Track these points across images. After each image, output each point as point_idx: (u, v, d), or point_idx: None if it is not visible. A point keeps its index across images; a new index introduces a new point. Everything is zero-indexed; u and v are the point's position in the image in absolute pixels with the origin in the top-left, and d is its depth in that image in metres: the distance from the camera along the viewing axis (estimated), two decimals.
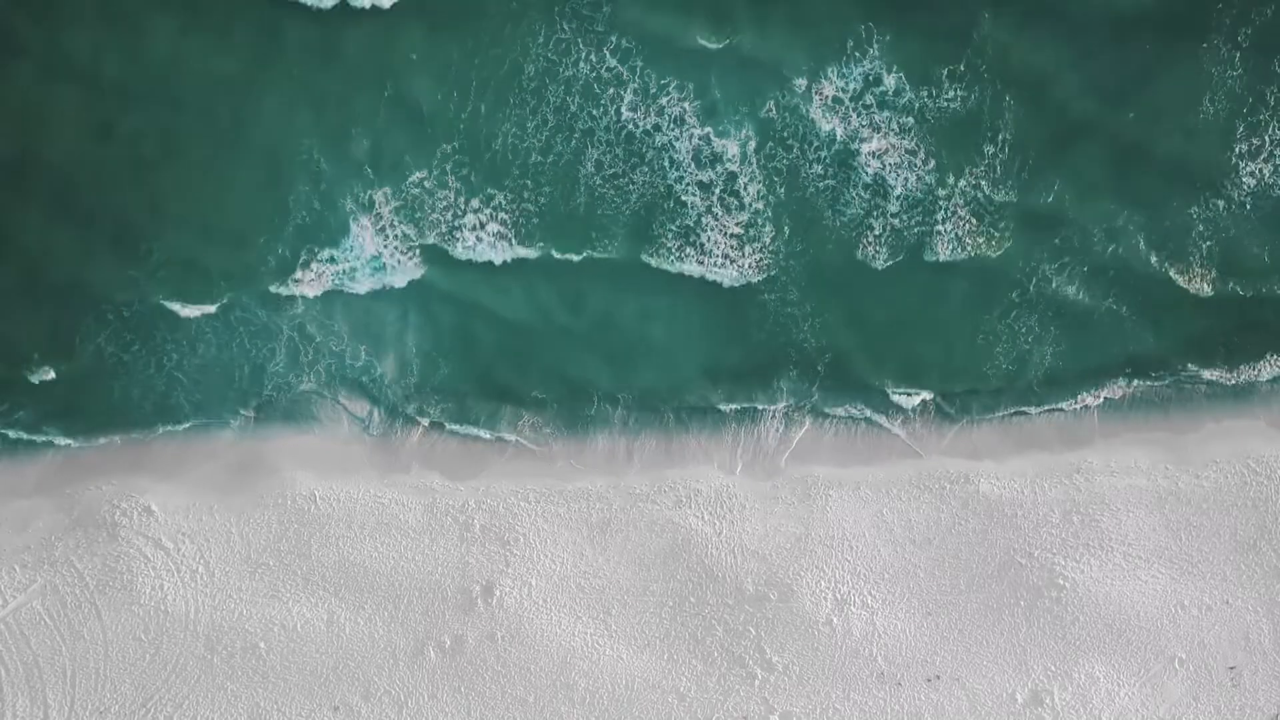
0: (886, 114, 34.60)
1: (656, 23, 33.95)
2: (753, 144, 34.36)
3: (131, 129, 32.88)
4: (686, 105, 34.09)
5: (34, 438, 33.11)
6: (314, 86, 33.39)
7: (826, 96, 34.46)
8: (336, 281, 33.60)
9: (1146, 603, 34.64)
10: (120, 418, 33.35)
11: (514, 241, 34.04)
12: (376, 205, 33.59)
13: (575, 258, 34.22)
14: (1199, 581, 34.87)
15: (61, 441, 33.19)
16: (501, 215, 33.96)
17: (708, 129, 34.20)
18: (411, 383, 34.37)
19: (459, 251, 33.89)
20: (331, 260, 33.52)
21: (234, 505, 33.24)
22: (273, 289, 33.42)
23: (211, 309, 33.19)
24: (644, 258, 34.29)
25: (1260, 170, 35.43)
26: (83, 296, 33.02)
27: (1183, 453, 35.60)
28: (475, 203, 33.89)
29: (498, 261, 34.09)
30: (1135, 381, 35.86)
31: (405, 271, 33.80)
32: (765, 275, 34.55)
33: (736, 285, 34.53)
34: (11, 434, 33.10)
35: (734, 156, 34.30)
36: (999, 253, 35.22)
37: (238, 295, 33.34)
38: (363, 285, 33.72)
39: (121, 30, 32.80)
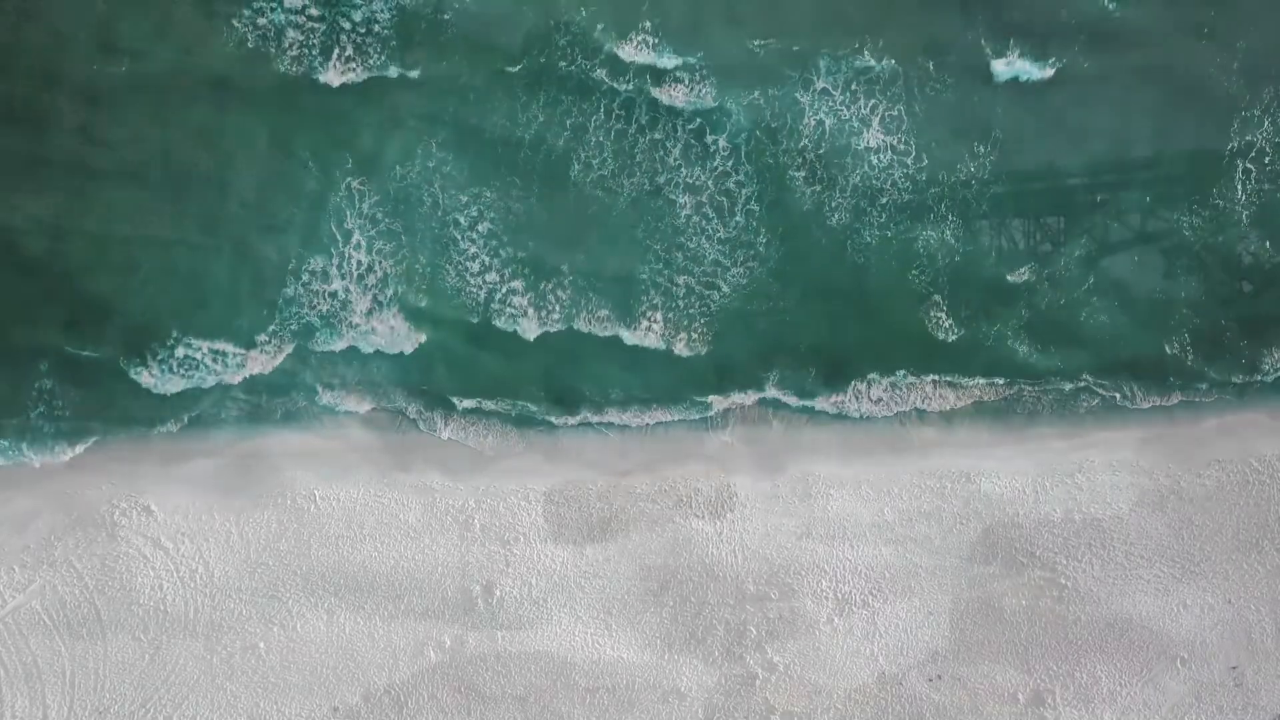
0: (873, 103, 34.56)
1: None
2: (743, 136, 34.26)
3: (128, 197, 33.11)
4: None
5: (36, 435, 33.18)
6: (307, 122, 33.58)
7: (818, 90, 34.47)
8: (351, 340, 33.85)
9: (1148, 602, 34.53)
10: (119, 417, 33.34)
11: (505, 240, 34.04)
12: (358, 200, 33.61)
13: (559, 323, 34.32)
14: (1201, 581, 34.75)
15: (62, 442, 33.16)
16: (491, 214, 33.96)
17: (700, 121, 34.22)
18: (410, 382, 34.32)
19: (452, 282, 34.05)
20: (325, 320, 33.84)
21: (233, 505, 33.22)
22: (267, 360, 33.56)
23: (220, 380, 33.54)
24: (623, 335, 34.33)
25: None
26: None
27: (1184, 451, 35.47)
28: (464, 198, 33.89)
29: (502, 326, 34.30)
30: (1135, 379, 35.92)
31: (403, 337, 33.96)
32: (709, 346, 34.62)
33: (686, 355, 34.69)
34: (13, 433, 33.14)
35: (725, 151, 34.23)
36: (992, 253, 35.37)
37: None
38: (364, 337, 33.93)
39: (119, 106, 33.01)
